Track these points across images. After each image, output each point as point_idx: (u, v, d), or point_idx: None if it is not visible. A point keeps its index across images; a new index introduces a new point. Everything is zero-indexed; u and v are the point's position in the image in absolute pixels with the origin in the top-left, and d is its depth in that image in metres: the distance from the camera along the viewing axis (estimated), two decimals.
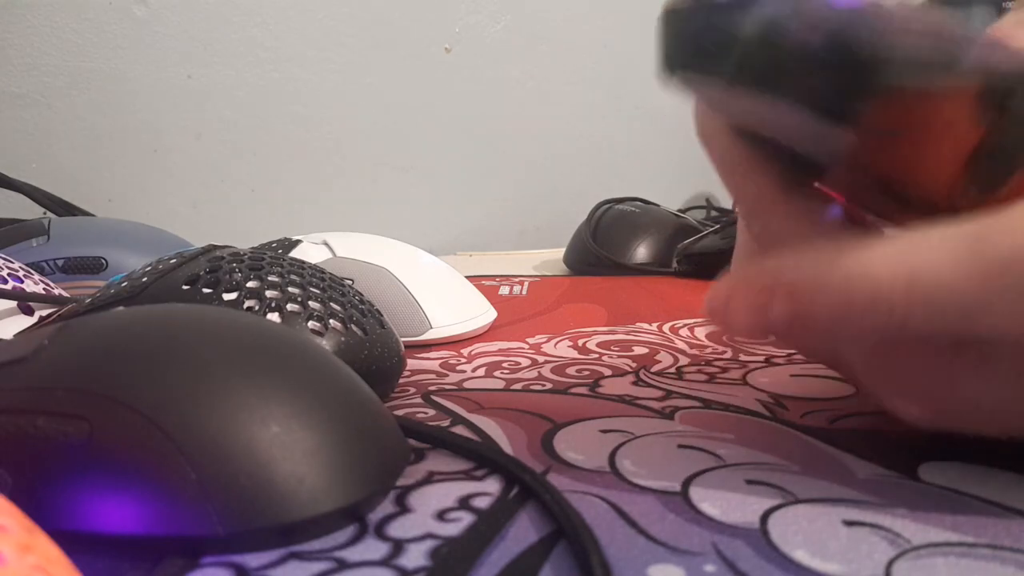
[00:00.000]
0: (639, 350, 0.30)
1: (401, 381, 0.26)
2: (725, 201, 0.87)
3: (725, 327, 0.15)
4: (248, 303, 0.22)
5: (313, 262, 0.30)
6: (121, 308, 0.18)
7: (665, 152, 0.86)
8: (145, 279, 0.23)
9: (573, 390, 0.25)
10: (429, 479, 0.18)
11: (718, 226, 0.54)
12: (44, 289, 0.30)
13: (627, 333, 0.34)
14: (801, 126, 0.14)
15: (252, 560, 0.14)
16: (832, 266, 0.14)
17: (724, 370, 0.27)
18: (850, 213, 0.17)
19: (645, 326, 0.35)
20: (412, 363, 0.29)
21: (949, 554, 0.14)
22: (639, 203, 0.63)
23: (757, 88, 0.14)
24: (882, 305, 0.13)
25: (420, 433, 0.20)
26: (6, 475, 0.14)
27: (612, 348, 0.31)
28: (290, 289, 0.23)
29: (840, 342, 0.16)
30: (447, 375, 0.27)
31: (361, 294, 0.26)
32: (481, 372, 0.27)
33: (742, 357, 0.28)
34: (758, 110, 0.15)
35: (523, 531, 0.15)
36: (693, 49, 0.15)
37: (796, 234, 0.16)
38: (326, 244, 0.35)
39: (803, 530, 0.15)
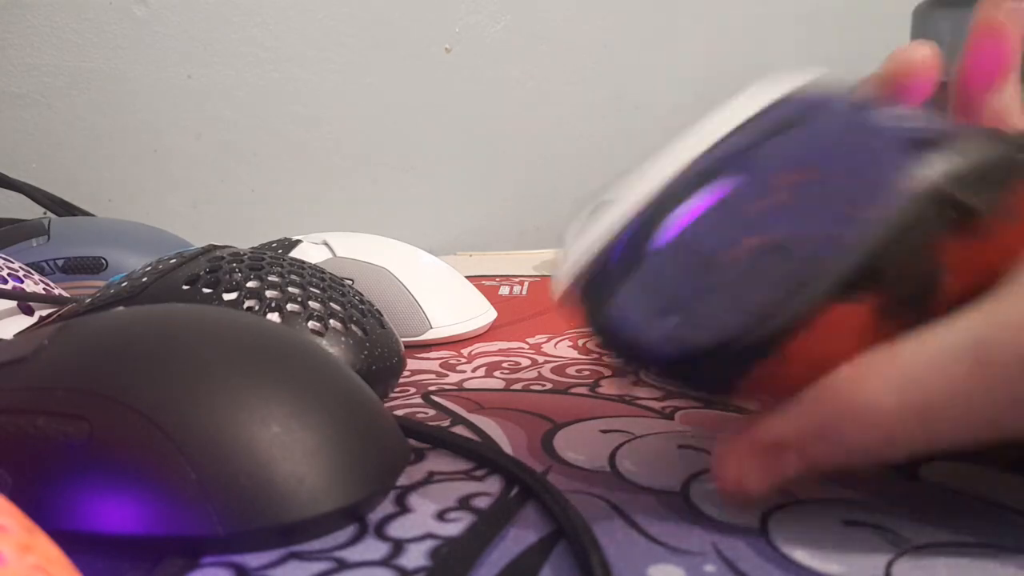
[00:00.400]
0: None
1: (401, 381, 0.26)
2: None
3: (742, 496, 0.15)
4: (248, 303, 0.22)
5: (313, 262, 0.30)
6: (121, 308, 0.18)
7: None
8: (145, 279, 0.23)
9: (573, 390, 0.25)
10: (429, 479, 0.17)
11: None
12: (44, 289, 0.30)
13: None
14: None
15: (252, 560, 0.14)
16: (840, 413, 0.13)
17: None
18: None
19: None
20: (412, 363, 0.29)
21: (949, 554, 0.14)
22: None
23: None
24: (900, 442, 0.13)
25: (420, 433, 0.20)
26: (6, 475, 0.14)
27: None
28: (290, 289, 0.23)
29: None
30: (447, 375, 0.27)
31: (361, 294, 0.26)
32: (481, 372, 0.27)
33: None
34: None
35: (523, 531, 0.15)
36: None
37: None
38: (326, 244, 0.35)
39: (803, 530, 0.15)
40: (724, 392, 0.15)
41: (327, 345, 0.22)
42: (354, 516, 0.16)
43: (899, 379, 0.13)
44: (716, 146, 0.15)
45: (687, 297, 0.14)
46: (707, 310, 0.14)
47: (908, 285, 0.13)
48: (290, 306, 0.23)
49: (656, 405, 0.23)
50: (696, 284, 0.14)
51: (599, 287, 0.15)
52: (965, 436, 0.13)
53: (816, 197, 0.14)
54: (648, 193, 0.15)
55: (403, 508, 0.16)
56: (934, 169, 0.13)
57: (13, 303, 0.28)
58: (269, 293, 0.23)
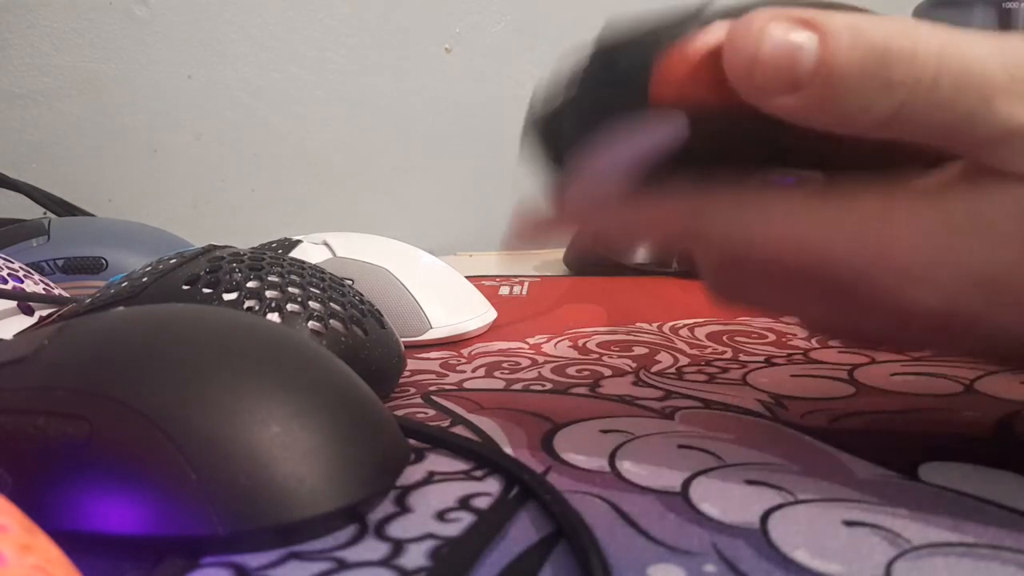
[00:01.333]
0: (639, 350, 0.30)
1: (401, 381, 0.26)
2: None
3: (744, 59, 0.14)
4: (248, 303, 0.22)
5: (313, 262, 0.30)
6: (121, 308, 0.18)
7: None
8: (145, 279, 0.23)
9: (573, 390, 0.25)
10: (429, 479, 0.18)
11: None
12: (44, 289, 0.30)
13: (627, 333, 0.34)
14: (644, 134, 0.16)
15: (252, 560, 0.14)
16: (878, 20, 0.13)
17: (724, 370, 0.27)
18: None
19: (645, 326, 0.35)
20: (412, 363, 0.29)
21: (949, 554, 0.14)
22: None
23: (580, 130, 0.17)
24: (918, 60, 0.13)
25: (420, 433, 0.20)
26: (6, 475, 0.14)
27: (612, 348, 0.31)
28: (290, 289, 0.23)
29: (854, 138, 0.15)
30: (447, 375, 0.27)
31: (361, 294, 0.26)
32: (481, 372, 0.27)
33: (742, 357, 0.28)
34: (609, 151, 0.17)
35: (523, 531, 0.15)
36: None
37: (765, 207, 0.16)
38: (326, 244, 0.35)
39: (803, 530, 0.15)
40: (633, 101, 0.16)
41: (327, 345, 0.22)
42: (354, 516, 0.16)
43: (933, 29, 0.13)
44: None
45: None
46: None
47: None
48: (290, 306, 0.23)
49: (656, 405, 0.23)
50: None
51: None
52: (968, 102, 0.13)
53: None
54: None
55: (403, 508, 0.16)
56: None
57: (13, 303, 0.28)
58: (269, 293, 0.23)
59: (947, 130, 0.13)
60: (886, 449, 0.18)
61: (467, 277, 0.37)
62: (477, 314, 0.34)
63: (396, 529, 0.15)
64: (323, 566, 0.14)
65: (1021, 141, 0.13)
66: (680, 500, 0.16)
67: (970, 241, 0.14)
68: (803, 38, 0.13)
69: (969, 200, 0.14)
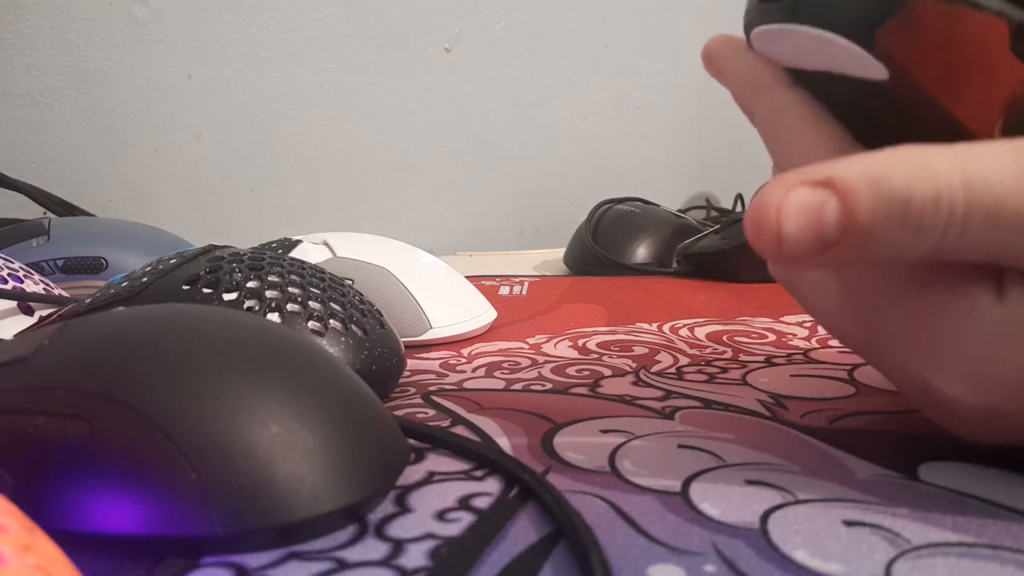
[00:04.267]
0: (639, 350, 0.30)
1: (401, 381, 0.26)
2: (725, 201, 0.87)
3: (770, 239, 0.14)
4: (248, 303, 0.22)
5: (313, 262, 0.30)
6: (121, 308, 0.18)
7: (665, 152, 0.86)
8: (145, 279, 0.23)
9: (573, 390, 0.25)
10: (429, 479, 0.18)
11: (718, 226, 0.54)
12: (44, 289, 0.30)
13: (627, 333, 0.34)
14: (849, 60, 0.16)
15: (252, 560, 0.14)
16: (892, 162, 0.13)
17: (724, 370, 0.27)
18: None
19: (645, 326, 0.35)
20: (412, 363, 0.29)
21: (949, 554, 0.14)
22: (639, 203, 0.63)
23: (806, 20, 0.16)
24: (943, 206, 0.13)
25: (420, 433, 0.20)
26: (6, 475, 0.14)
27: (612, 348, 0.31)
28: (290, 289, 0.23)
29: (887, 278, 0.16)
30: (447, 375, 0.27)
31: (361, 294, 0.26)
32: (481, 372, 0.27)
33: (742, 357, 0.28)
34: (813, 48, 0.16)
35: (523, 531, 0.15)
36: None
37: None
38: (326, 244, 0.35)
39: (803, 530, 0.15)
40: (855, 37, 0.15)
41: (327, 345, 0.22)
42: (354, 516, 0.16)
43: (959, 153, 0.13)
44: None
45: None
46: None
47: None
48: (290, 306, 0.23)
49: (656, 405, 0.23)
50: None
51: None
52: (1001, 236, 0.13)
53: None
54: None
55: (403, 508, 0.16)
56: None
57: (13, 303, 0.28)
58: (269, 293, 0.23)
59: (993, 256, 0.13)
60: (886, 449, 0.18)
61: (467, 277, 0.37)
62: (477, 314, 0.34)
63: (396, 529, 0.15)
64: (323, 566, 0.14)
65: None
66: (680, 500, 0.16)
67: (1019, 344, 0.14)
68: (822, 200, 0.13)
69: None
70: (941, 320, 0.15)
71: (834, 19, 0.15)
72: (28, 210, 0.55)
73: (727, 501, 0.16)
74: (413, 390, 0.25)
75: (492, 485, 0.17)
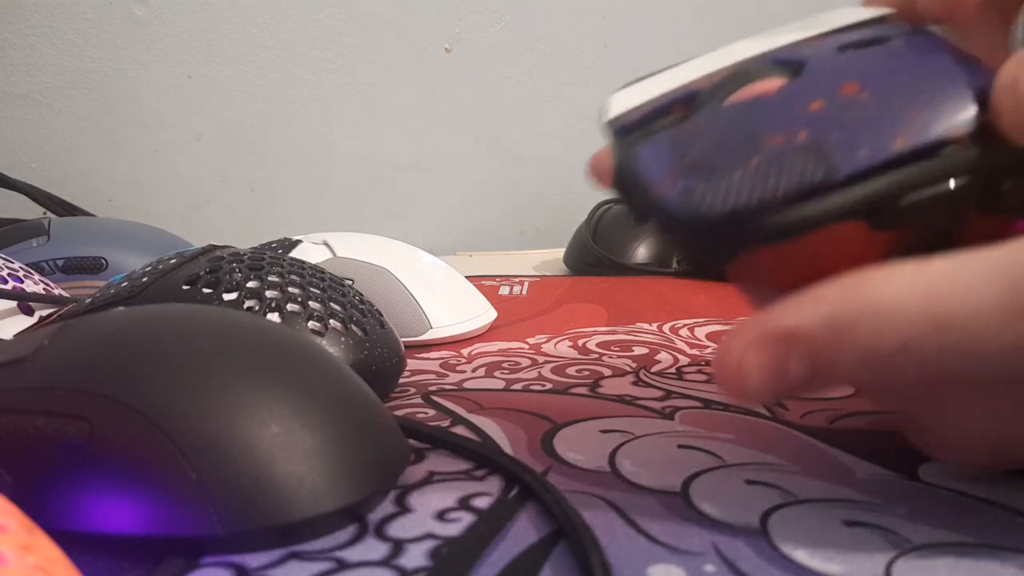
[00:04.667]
0: (639, 350, 0.30)
1: (401, 381, 0.26)
2: None
3: (739, 393, 0.14)
4: (248, 303, 0.22)
5: (313, 262, 0.30)
6: (121, 308, 0.18)
7: None
8: (145, 279, 0.23)
9: (573, 390, 0.25)
10: (429, 479, 0.18)
11: None
12: (44, 289, 0.30)
13: (627, 333, 0.34)
14: None
15: (252, 560, 0.14)
16: (855, 307, 0.13)
17: None
18: None
19: (645, 326, 0.35)
20: (412, 363, 0.29)
21: (949, 554, 0.14)
22: None
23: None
24: (912, 352, 0.12)
25: (420, 433, 0.20)
26: (6, 475, 0.14)
27: (612, 348, 0.31)
28: (290, 289, 0.23)
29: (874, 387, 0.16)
30: (447, 375, 0.27)
31: (361, 294, 0.26)
32: (481, 372, 0.27)
33: None
34: None
35: (523, 531, 0.15)
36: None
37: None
38: (326, 244, 0.35)
39: (803, 530, 0.15)
40: (719, 265, 0.15)
41: (327, 345, 0.22)
42: (354, 516, 0.16)
43: (925, 287, 0.12)
44: (799, 43, 0.16)
45: (719, 165, 0.14)
46: (731, 183, 0.14)
47: (924, 232, 0.13)
48: (290, 306, 0.23)
49: (656, 405, 0.23)
50: (732, 155, 0.14)
51: (641, 127, 0.16)
52: (979, 360, 0.12)
53: (868, 118, 0.14)
54: (719, 65, 0.16)
55: (403, 508, 0.16)
56: (985, 144, 0.13)
57: (13, 303, 0.28)
58: (269, 293, 0.23)
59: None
60: (886, 449, 0.18)
61: (467, 277, 0.37)
62: (477, 314, 0.34)
63: (396, 529, 0.15)
64: (323, 566, 0.14)
65: None
66: (680, 500, 0.16)
67: None
68: (783, 358, 0.13)
69: None
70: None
71: (690, 251, 0.16)
72: (28, 210, 0.55)
73: (727, 501, 0.16)
74: (413, 390, 0.25)
75: (492, 485, 0.17)
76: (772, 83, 0.15)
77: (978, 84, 0.14)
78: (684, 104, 0.16)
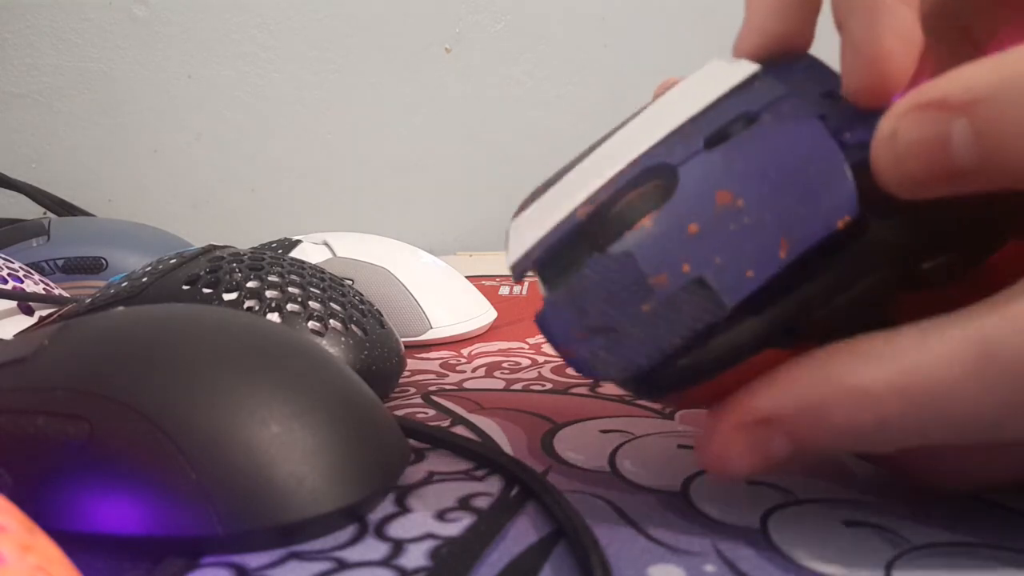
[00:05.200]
0: None
1: (401, 381, 0.26)
2: None
3: (724, 474, 0.14)
4: (248, 303, 0.22)
5: (313, 262, 0.30)
6: (121, 308, 0.18)
7: None
8: (145, 279, 0.23)
9: (573, 390, 0.25)
10: (429, 479, 0.18)
11: None
12: (44, 289, 0.30)
13: None
14: None
15: (252, 560, 0.14)
16: (830, 391, 0.12)
17: None
18: None
19: None
20: (412, 363, 0.29)
21: (949, 554, 0.14)
22: None
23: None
24: (892, 429, 0.12)
25: (420, 433, 0.20)
26: (6, 475, 0.14)
27: None
28: (290, 289, 0.23)
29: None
30: (447, 375, 0.27)
31: (361, 294, 0.26)
32: (481, 372, 0.27)
33: None
34: None
35: (523, 531, 0.15)
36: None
37: None
38: (326, 244, 0.35)
39: (803, 530, 0.15)
40: (656, 400, 0.15)
41: (327, 345, 0.22)
42: (354, 516, 0.16)
43: (896, 365, 0.12)
44: (660, 144, 0.14)
45: (615, 322, 0.13)
46: (631, 340, 0.13)
47: (853, 326, 0.13)
48: (290, 306, 0.23)
49: (656, 405, 0.23)
50: (625, 308, 0.13)
51: (539, 270, 0.15)
52: (959, 433, 0.12)
53: (747, 230, 0.13)
54: (589, 190, 0.14)
55: (403, 508, 0.16)
56: (886, 224, 0.12)
57: (13, 303, 0.28)
58: (269, 293, 0.23)
59: None
60: None
61: (467, 277, 0.37)
62: (477, 314, 0.34)
63: (396, 529, 0.15)
64: (323, 566, 0.14)
65: None
66: (680, 500, 0.16)
67: None
68: (761, 441, 0.13)
69: None
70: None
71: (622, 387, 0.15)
72: (28, 210, 0.55)
73: (727, 501, 0.16)
74: (413, 390, 0.25)
75: (492, 485, 0.17)
76: (647, 218, 0.13)
77: (859, 148, 0.12)
78: (571, 243, 0.14)
